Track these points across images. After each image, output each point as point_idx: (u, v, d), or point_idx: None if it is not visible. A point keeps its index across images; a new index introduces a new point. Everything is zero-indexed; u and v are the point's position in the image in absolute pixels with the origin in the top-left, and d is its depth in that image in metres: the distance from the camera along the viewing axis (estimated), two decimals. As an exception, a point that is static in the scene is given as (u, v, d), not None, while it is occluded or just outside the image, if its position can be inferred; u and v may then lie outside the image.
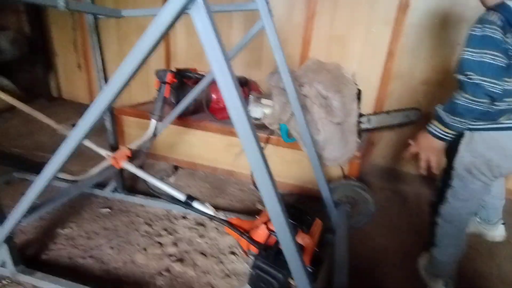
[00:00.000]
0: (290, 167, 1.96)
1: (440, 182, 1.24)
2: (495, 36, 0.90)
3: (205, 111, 2.12)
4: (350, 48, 2.32)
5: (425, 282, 1.34)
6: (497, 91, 0.90)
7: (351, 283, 1.22)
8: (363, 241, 1.61)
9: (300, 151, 1.86)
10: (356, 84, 1.79)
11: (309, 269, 0.96)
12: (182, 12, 0.61)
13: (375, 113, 1.93)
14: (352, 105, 1.75)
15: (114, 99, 0.77)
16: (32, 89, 3.62)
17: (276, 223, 0.76)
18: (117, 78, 0.72)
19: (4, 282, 1.17)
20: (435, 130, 1.07)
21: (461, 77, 0.95)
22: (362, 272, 1.39)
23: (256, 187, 2.09)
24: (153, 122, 1.62)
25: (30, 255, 1.33)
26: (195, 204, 1.21)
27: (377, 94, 2.33)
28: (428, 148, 1.12)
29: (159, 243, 1.47)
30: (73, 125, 1.64)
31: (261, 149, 0.73)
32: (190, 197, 1.22)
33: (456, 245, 1.23)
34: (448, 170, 1.18)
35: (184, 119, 2.08)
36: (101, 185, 1.75)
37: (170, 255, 1.39)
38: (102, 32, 1.46)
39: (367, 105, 2.34)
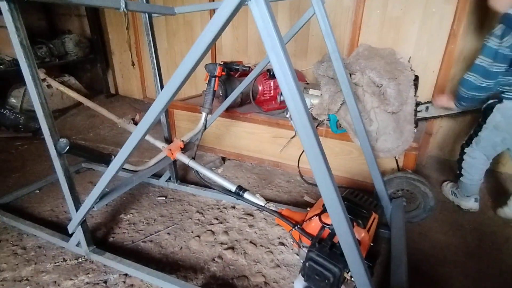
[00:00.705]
0: (339, 159, 1.90)
1: (473, 132, 1.61)
2: None
3: (252, 103, 2.14)
4: (406, 31, 2.15)
5: (456, 203, 1.77)
6: None
7: (410, 280, 1.16)
8: (422, 237, 1.51)
9: (350, 142, 1.79)
10: (412, 70, 1.67)
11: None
12: (242, 4, 0.61)
13: (434, 101, 1.78)
14: (409, 93, 1.63)
15: (173, 97, 0.81)
16: (92, 86, 3.97)
17: (333, 216, 0.74)
18: (180, 72, 0.75)
19: (80, 260, 1.32)
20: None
21: None
22: (421, 270, 1.31)
23: (303, 178, 2.07)
24: (203, 114, 1.67)
25: (99, 237, 1.48)
26: (246, 195, 1.23)
27: (436, 80, 2.14)
28: None
29: (211, 231, 1.53)
30: (132, 119, 1.77)
31: (319, 140, 0.71)
32: (241, 188, 1.25)
33: (480, 173, 1.64)
34: (481, 124, 1.54)
35: (231, 111, 2.13)
36: (157, 175, 1.87)
37: (222, 243, 1.45)
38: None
39: (426, 91, 2.16)
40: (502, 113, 1.45)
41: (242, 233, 1.52)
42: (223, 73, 1.77)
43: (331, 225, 0.96)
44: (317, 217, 1.02)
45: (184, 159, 1.43)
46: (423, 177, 1.51)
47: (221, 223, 1.59)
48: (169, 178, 1.90)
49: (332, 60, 1.27)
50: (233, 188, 1.27)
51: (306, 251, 0.97)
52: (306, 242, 1.05)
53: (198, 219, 1.62)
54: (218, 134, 2.28)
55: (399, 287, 0.98)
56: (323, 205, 1.04)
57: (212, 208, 1.72)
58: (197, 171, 1.38)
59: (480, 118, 1.57)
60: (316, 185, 1.90)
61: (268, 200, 1.23)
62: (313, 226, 1.03)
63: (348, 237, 0.74)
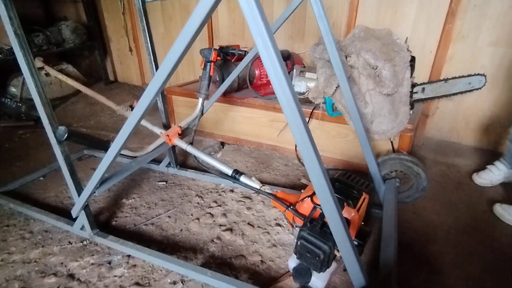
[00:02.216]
0: (336, 141, 1.93)
1: None
2: None
3: (249, 88, 2.15)
4: (404, 11, 2.11)
5: None
6: None
7: (401, 258, 1.21)
8: (415, 216, 1.55)
9: (346, 125, 1.81)
10: (409, 51, 1.65)
11: (355, 242, 0.97)
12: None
13: (430, 82, 1.78)
14: (404, 74, 1.63)
15: (167, 80, 0.82)
16: (91, 73, 3.97)
17: (321, 196, 0.77)
18: (169, 60, 0.77)
19: (84, 242, 1.38)
20: None
21: None
22: (413, 248, 1.36)
23: (300, 161, 2.11)
24: (200, 100, 1.68)
25: (102, 221, 1.54)
26: (242, 178, 1.27)
27: (433, 60, 2.12)
28: None
29: (210, 213, 1.58)
30: (130, 106, 1.79)
31: (306, 123, 0.73)
32: (237, 172, 1.28)
33: None
34: None
35: (228, 96, 2.14)
36: (157, 161, 1.91)
37: (220, 225, 1.50)
38: (149, 16, 1.53)
39: (423, 72, 2.15)
40: None
41: (240, 215, 1.57)
42: (219, 58, 1.77)
43: (322, 205, 1.00)
44: (309, 198, 1.06)
45: (182, 144, 1.46)
46: (417, 158, 1.53)
47: (220, 206, 1.64)
48: (169, 164, 1.93)
49: (325, 43, 1.27)
50: (229, 172, 1.30)
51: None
52: (299, 222, 1.09)
53: (198, 203, 1.67)
54: (216, 119, 2.30)
55: (387, 264, 1.02)
56: (316, 186, 1.08)
57: (211, 192, 1.76)
58: (195, 156, 1.41)
59: None
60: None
61: (266, 183, 1.26)
62: (306, 207, 1.07)
63: (335, 216, 0.77)
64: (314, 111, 1.86)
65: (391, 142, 1.72)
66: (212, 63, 1.65)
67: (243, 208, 1.62)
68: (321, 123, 1.89)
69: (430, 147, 2.25)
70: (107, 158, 1.09)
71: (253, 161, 2.11)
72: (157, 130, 1.62)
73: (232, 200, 1.69)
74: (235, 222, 1.52)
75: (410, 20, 2.10)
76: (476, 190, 1.77)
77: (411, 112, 1.65)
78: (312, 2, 1.20)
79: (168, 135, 1.50)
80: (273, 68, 0.69)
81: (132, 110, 1.79)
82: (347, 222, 1.01)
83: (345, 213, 1.00)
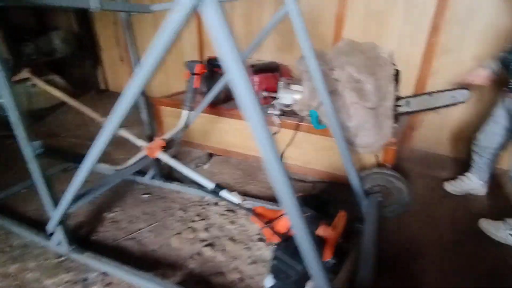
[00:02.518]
0: (321, 154, 1.92)
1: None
2: None
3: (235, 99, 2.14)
4: (389, 25, 2.14)
5: None
6: None
7: (383, 274, 1.19)
8: (399, 231, 1.54)
9: (332, 137, 1.80)
10: (393, 65, 1.67)
11: (331, 261, 0.96)
12: (192, 11, 0.61)
13: (415, 95, 1.78)
14: (388, 88, 1.64)
15: (138, 94, 0.81)
16: (83, 83, 3.95)
17: (290, 216, 0.76)
18: (137, 81, 0.76)
19: (61, 258, 1.34)
20: None
21: None
22: (395, 264, 1.34)
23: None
24: (184, 112, 1.68)
25: (82, 236, 1.50)
26: (223, 193, 1.25)
27: (418, 73, 2.14)
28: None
29: (192, 228, 1.55)
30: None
31: (273, 142, 0.73)
32: (218, 186, 1.27)
33: None
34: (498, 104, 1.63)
35: (216, 107, 2.13)
36: (142, 172, 1.89)
37: (202, 240, 1.47)
38: (139, 27, 1.53)
39: (408, 85, 2.17)
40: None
41: (223, 230, 1.54)
42: (205, 71, 1.77)
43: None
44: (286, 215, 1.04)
45: (164, 157, 1.44)
46: (401, 172, 1.53)
47: (203, 220, 1.62)
48: (154, 176, 1.91)
49: (306, 58, 1.27)
50: (210, 186, 1.29)
51: (275, 248, 0.99)
52: (276, 240, 1.08)
53: (181, 216, 1.64)
54: (204, 130, 2.29)
55: (364, 283, 1.00)
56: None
57: (195, 205, 1.74)
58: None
59: None
60: (298, 180, 1.92)
61: (251, 196, 1.25)
62: (282, 224, 1.05)
63: (303, 235, 0.76)
64: (300, 123, 1.85)
65: (376, 155, 1.72)
66: (197, 75, 1.65)
67: (226, 222, 1.60)
68: (307, 135, 1.88)
69: (416, 160, 2.25)
70: (82, 172, 1.08)
71: (240, 173, 2.10)
72: (139, 143, 1.61)
73: (216, 213, 1.67)
74: (217, 237, 1.49)
75: (396, 33, 2.13)
76: (460, 204, 1.76)
77: (395, 125, 1.66)
78: (294, 19, 1.21)
79: (150, 148, 1.49)
80: (240, 89, 0.69)
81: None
82: (323, 240, 0.99)
83: (320, 231, 0.99)
